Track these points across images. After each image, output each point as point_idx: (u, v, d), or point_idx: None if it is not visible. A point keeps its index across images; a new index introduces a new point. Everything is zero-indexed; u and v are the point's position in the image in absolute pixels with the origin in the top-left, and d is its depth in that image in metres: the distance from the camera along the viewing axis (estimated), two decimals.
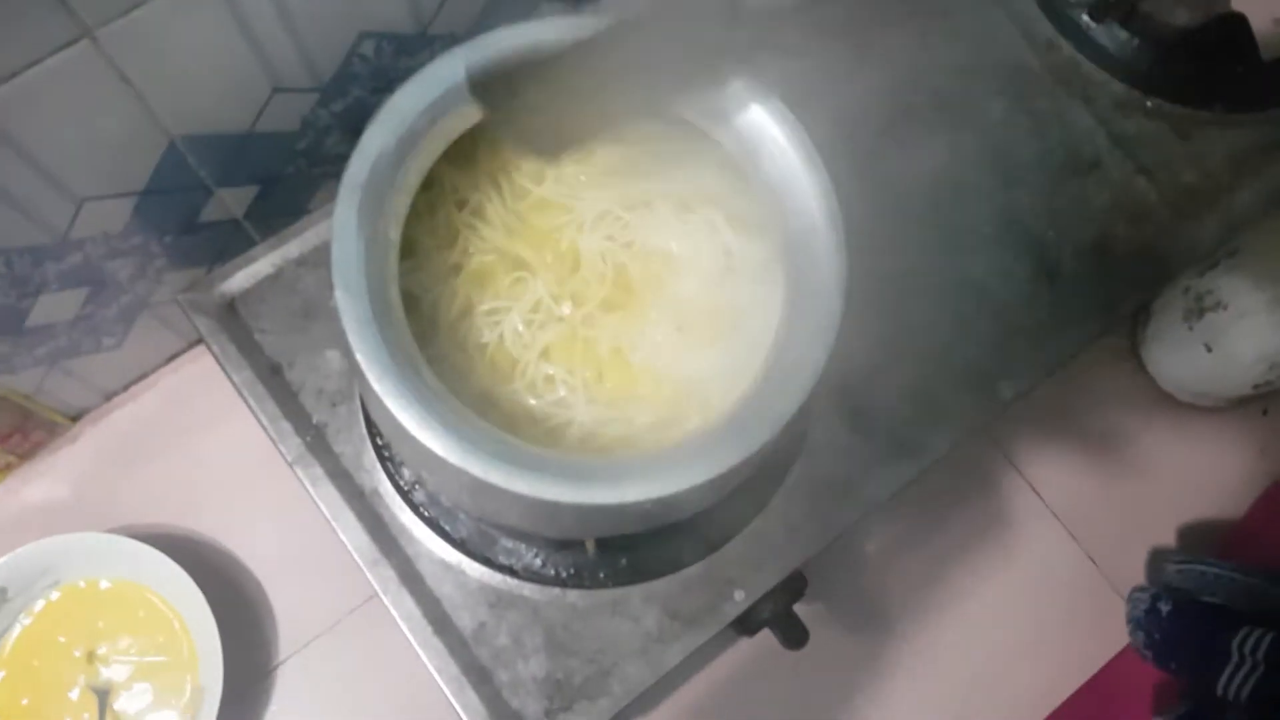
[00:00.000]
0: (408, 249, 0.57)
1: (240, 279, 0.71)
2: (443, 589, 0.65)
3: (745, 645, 0.81)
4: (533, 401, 0.56)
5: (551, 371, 0.56)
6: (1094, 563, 0.89)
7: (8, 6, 0.50)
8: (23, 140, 0.58)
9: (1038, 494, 0.90)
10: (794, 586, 0.69)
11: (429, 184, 0.58)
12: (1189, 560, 0.82)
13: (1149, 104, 0.75)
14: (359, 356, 0.48)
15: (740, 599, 0.66)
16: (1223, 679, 0.75)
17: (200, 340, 0.69)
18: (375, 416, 0.60)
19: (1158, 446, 0.93)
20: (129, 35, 0.56)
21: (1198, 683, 0.78)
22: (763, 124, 0.54)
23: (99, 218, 0.67)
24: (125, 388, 0.86)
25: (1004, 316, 0.70)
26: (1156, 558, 0.90)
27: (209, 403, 0.82)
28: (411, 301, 0.56)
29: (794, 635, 0.69)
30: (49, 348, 0.75)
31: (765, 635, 0.69)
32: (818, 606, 0.82)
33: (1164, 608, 0.80)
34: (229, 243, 0.78)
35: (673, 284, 0.58)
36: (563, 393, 0.55)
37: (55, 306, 0.71)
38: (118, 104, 0.60)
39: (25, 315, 0.70)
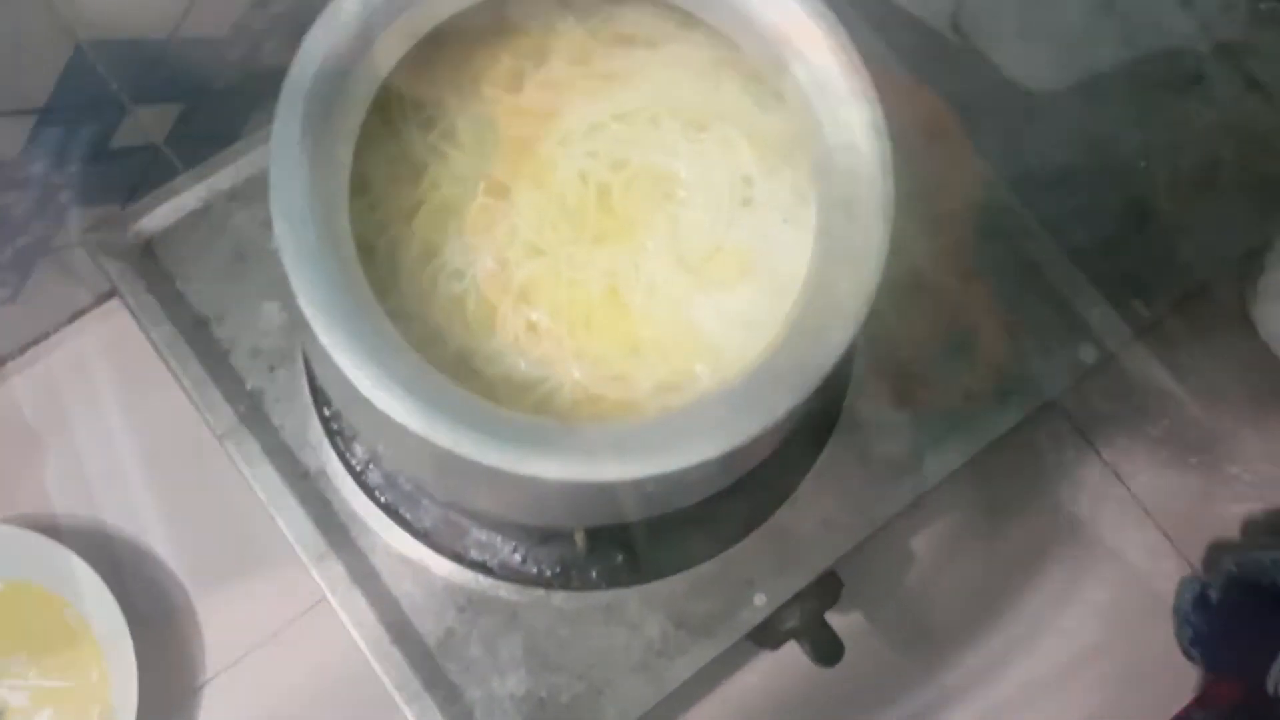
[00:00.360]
0: (359, 186, 0.58)
1: (160, 216, 0.71)
2: (403, 589, 0.66)
3: (767, 660, 0.82)
4: (519, 364, 0.56)
5: (534, 318, 0.56)
6: (1195, 571, 0.90)
7: None
8: None
9: (1123, 483, 0.90)
10: (826, 590, 0.70)
11: (385, 105, 0.58)
12: (1248, 548, 0.82)
13: (1262, 5, 0.74)
14: (302, 301, 0.49)
15: (761, 604, 0.66)
16: (1272, 673, 0.75)
17: (112, 292, 0.70)
18: (322, 378, 0.60)
19: (1272, 426, 0.93)
20: None
21: (1253, 683, 0.77)
22: (794, 19, 0.54)
23: None
24: (22, 350, 0.86)
25: (1084, 264, 0.71)
26: (1214, 551, 0.89)
27: (122, 367, 0.83)
28: (366, 251, 0.57)
29: (825, 649, 0.70)
30: None
31: (791, 649, 0.70)
32: (854, 615, 0.82)
33: (1214, 595, 0.80)
34: (147, 173, 0.78)
35: (677, 215, 0.58)
36: (547, 344, 0.56)
37: None
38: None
39: None
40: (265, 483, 0.66)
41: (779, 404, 0.50)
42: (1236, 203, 0.69)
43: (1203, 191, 0.69)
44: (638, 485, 0.49)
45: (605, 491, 0.50)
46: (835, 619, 0.70)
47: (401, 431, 0.48)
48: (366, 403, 0.48)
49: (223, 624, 0.81)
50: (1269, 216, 0.71)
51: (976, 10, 0.60)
